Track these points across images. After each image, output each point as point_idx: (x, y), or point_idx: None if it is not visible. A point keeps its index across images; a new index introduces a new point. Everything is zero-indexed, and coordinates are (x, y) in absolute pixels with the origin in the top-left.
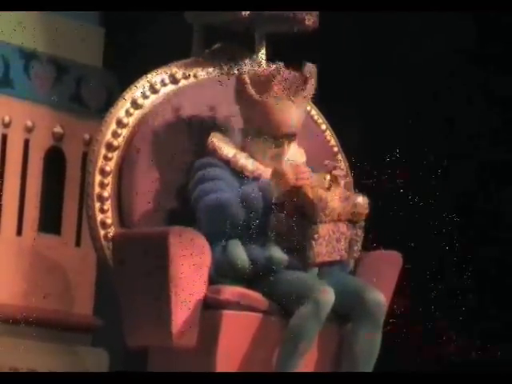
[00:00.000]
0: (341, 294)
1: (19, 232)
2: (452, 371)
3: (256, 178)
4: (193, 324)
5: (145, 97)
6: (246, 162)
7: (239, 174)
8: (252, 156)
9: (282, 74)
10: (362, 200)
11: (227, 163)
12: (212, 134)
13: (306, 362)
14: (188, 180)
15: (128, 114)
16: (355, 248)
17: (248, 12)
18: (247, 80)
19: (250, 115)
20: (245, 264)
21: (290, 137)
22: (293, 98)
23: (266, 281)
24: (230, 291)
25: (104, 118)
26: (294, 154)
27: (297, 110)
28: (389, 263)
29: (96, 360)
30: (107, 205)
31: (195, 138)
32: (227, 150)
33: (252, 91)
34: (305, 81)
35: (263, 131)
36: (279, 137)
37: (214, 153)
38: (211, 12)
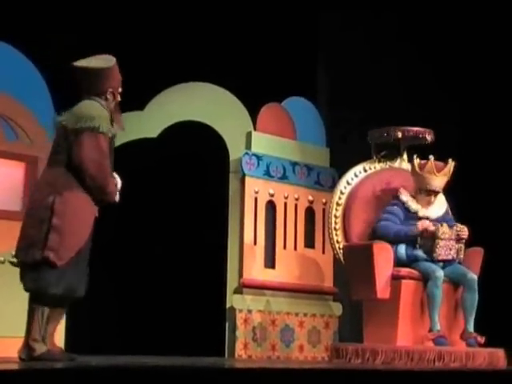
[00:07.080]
0: (455, 274)
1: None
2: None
3: (416, 213)
4: (387, 286)
5: (351, 180)
6: (412, 204)
7: (407, 209)
8: (417, 202)
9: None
10: (463, 228)
11: (403, 203)
12: (401, 189)
13: (443, 306)
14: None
15: (344, 188)
16: (460, 253)
17: (401, 135)
18: (416, 165)
19: (415, 180)
20: (403, 258)
21: (436, 193)
22: (437, 174)
23: (415, 265)
24: (404, 270)
25: (333, 191)
26: (439, 203)
27: (438, 179)
28: (476, 254)
29: (336, 307)
30: (338, 232)
31: (378, 196)
32: (406, 197)
33: (418, 170)
34: (445, 166)
35: (422, 189)
36: (429, 192)
37: (397, 197)
38: (381, 137)
